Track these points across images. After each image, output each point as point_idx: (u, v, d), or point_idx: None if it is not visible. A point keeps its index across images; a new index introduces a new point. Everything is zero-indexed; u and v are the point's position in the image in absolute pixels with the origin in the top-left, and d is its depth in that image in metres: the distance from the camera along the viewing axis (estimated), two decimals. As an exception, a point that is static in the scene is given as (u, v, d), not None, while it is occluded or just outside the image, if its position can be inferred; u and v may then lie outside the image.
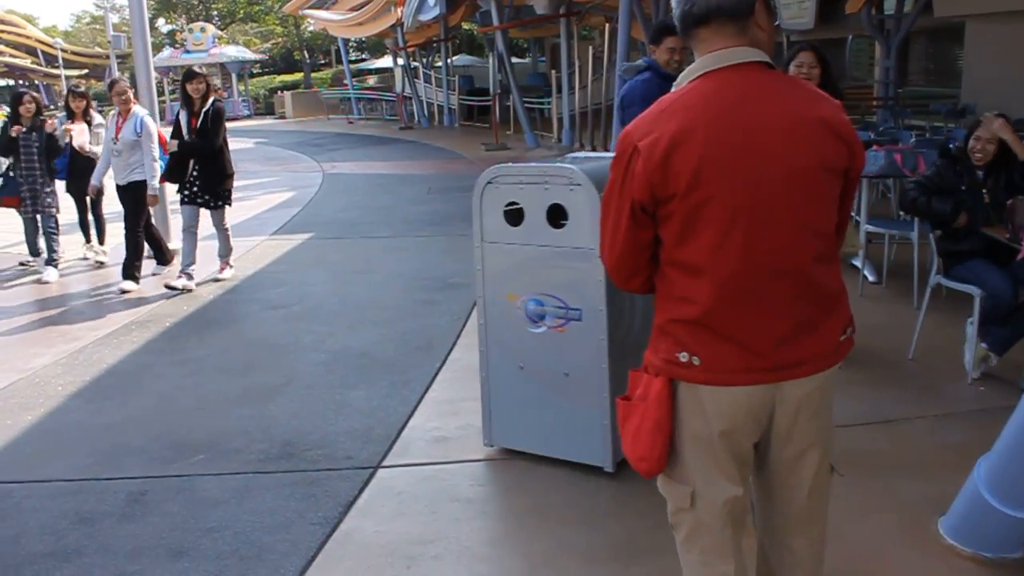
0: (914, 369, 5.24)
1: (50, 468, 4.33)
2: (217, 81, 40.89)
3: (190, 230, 8.08)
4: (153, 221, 8.68)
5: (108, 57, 36.22)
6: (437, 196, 13.52)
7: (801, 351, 2.12)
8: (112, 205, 8.82)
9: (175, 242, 9.06)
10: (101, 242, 9.40)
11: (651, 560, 3.30)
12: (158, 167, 7.96)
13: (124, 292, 7.89)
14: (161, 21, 51.88)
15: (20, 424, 4.92)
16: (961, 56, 14.32)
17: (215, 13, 50.26)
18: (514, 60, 27.59)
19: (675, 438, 2.21)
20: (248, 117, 40.98)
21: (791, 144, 2.04)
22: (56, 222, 8.78)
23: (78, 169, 8.74)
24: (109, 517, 3.80)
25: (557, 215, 3.88)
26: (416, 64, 32.14)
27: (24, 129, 8.41)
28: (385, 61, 42.68)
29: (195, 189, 7.95)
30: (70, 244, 9.66)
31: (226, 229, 8.37)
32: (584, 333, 3.85)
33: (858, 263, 6.99)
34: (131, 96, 8.13)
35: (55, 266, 8.71)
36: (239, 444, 4.51)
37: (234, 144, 25.69)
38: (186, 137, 7.82)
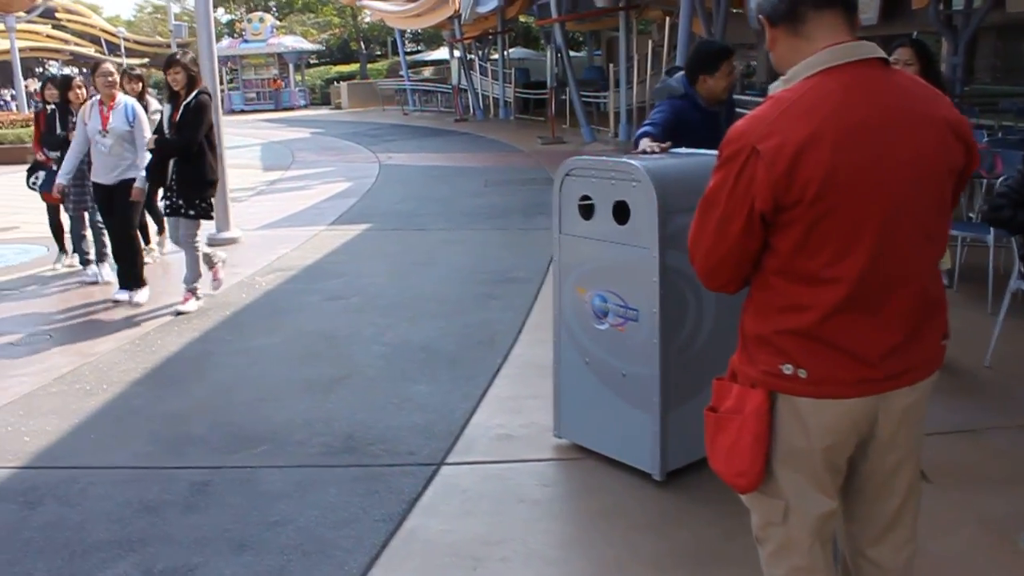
0: (991, 377, 5.05)
1: (114, 455, 4.34)
2: (275, 70, 41.35)
3: (188, 241, 6.92)
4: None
5: (168, 46, 36.68)
6: (494, 189, 13.45)
7: (909, 359, 2.05)
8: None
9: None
10: (160, 233, 8.92)
11: (721, 570, 3.22)
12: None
13: (139, 304, 7.10)
14: (221, 11, 52.47)
15: (84, 409, 4.94)
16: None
17: (273, 3, 50.72)
18: (570, 53, 27.42)
19: (770, 452, 2.11)
20: (304, 107, 41.32)
21: (919, 148, 1.96)
22: None
23: None
24: (173, 507, 3.78)
25: (624, 211, 3.79)
26: (472, 56, 32.10)
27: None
28: (440, 53, 42.78)
29: (175, 196, 6.79)
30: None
31: (195, 248, 6.93)
32: (640, 335, 3.76)
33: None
34: (118, 81, 7.18)
35: (106, 262, 7.92)
36: (301, 436, 4.47)
37: (290, 134, 26.02)
38: (166, 133, 6.76)
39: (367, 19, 46.91)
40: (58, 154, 7.78)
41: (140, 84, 7.99)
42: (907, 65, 4.81)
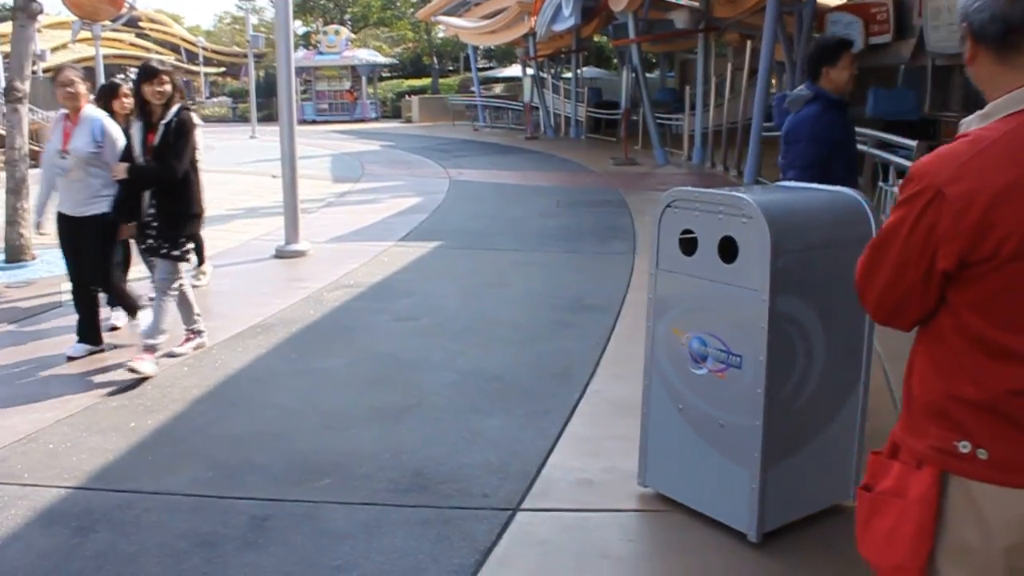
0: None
1: (171, 480, 4.11)
2: (348, 83, 41.72)
3: (163, 287, 5.74)
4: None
5: (245, 56, 37.20)
6: (566, 210, 13.16)
7: None
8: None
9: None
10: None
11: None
12: None
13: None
14: (298, 23, 53.22)
15: (143, 428, 4.74)
16: None
17: (349, 17, 51.23)
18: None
19: (936, 546, 1.76)
20: (375, 120, 41.60)
21: None
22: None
23: None
24: (230, 542, 3.54)
25: (731, 249, 3.47)
26: (544, 75, 31.95)
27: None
28: (512, 70, 42.80)
29: (154, 234, 5.64)
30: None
31: (171, 295, 5.75)
32: (742, 383, 3.44)
33: None
34: (81, 91, 5.80)
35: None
36: (368, 470, 4.21)
37: (361, 146, 26.13)
38: (139, 159, 5.57)
39: (441, 34, 47.17)
40: None
41: (164, 93, 5.54)
42: None
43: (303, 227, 9.79)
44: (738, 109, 18.04)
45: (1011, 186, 1.59)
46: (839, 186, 3.88)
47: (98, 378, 5.53)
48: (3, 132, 10.79)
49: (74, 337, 6.01)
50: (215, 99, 51.17)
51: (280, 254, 9.39)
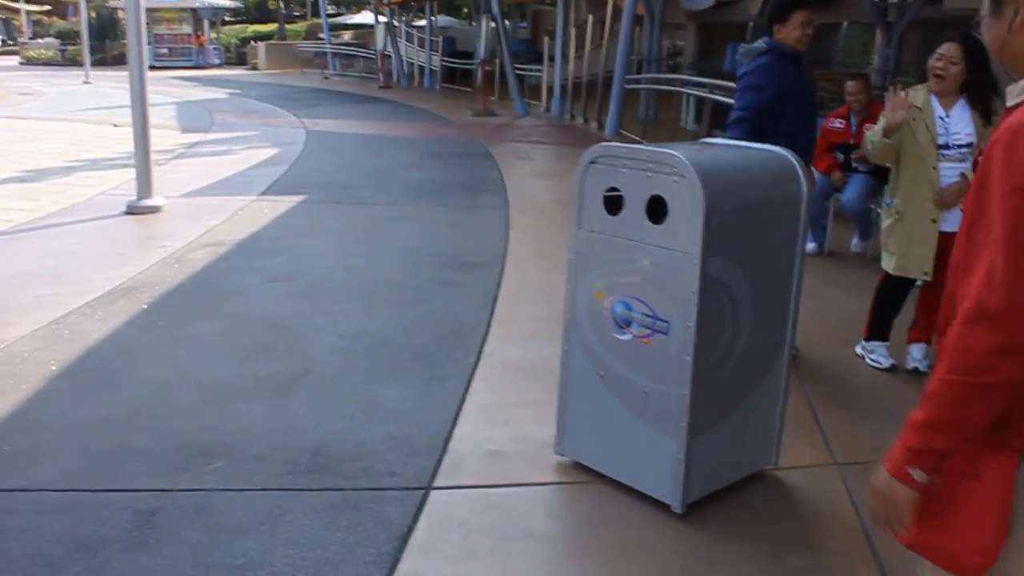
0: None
1: (37, 473, 3.62)
2: (189, 26, 39.62)
3: None
4: None
5: (75, -6, 34.76)
6: (431, 161, 12.82)
7: None
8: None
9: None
10: None
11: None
12: None
13: None
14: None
15: (-3, 411, 4.21)
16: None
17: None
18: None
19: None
20: (219, 66, 39.65)
21: None
22: None
23: None
24: (114, 544, 3.12)
25: (659, 209, 3.27)
26: (397, 23, 31.16)
27: None
28: (363, 17, 41.56)
29: None
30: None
31: None
32: (669, 349, 3.27)
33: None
34: None
35: None
36: (261, 450, 3.84)
37: (207, 94, 24.86)
38: None
39: (287, -23, 45.36)
40: None
41: None
42: (951, 64, 4.46)
43: (155, 181, 9.09)
44: (598, 61, 18.01)
45: None
46: (791, 139, 3.92)
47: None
48: None
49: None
50: (40, 40, 47.57)
51: (132, 210, 8.67)
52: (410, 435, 4.03)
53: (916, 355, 4.95)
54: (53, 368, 4.72)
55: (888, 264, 4.85)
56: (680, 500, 3.34)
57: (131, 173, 9.04)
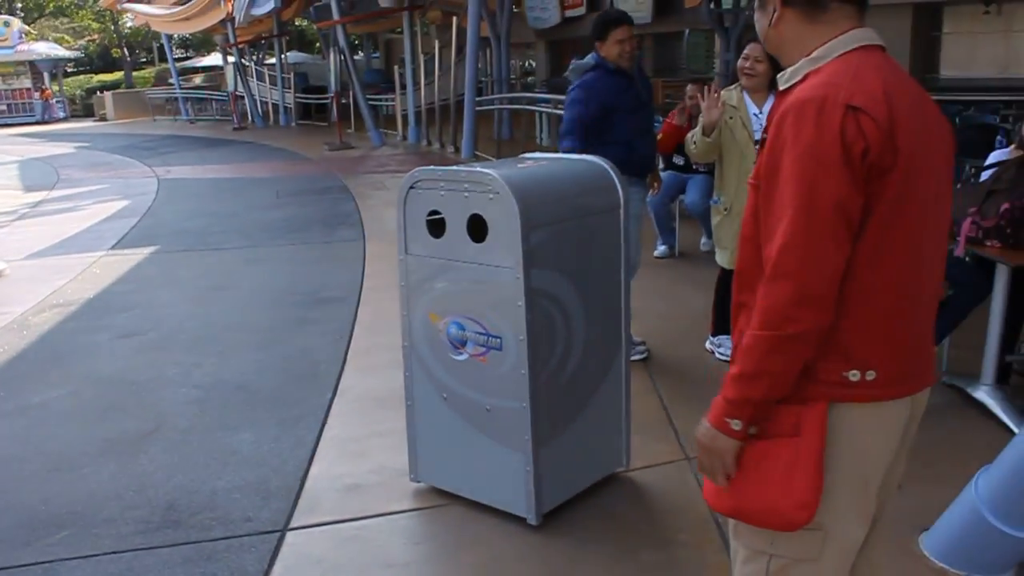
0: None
1: None
2: (28, 80, 38.09)
3: None
4: None
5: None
6: (288, 200, 12.70)
7: (932, 352, 1.96)
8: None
9: None
10: None
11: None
12: None
13: None
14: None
15: None
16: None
17: (19, 6, 46.65)
18: (352, 56, 26.73)
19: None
20: (65, 119, 38.25)
21: (945, 133, 1.87)
22: None
23: None
24: (-48, 627, 3.03)
25: (480, 227, 3.36)
26: (247, 62, 30.74)
27: None
28: (212, 59, 40.83)
29: None
30: None
31: None
32: (505, 365, 3.35)
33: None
34: None
35: None
36: (110, 513, 3.75)
37: (52, 149, 23.98)
38: None
39: (129, 24, 44.09)
40: None
41: None
42: (757, 63, 4.71)
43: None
44: (449, 86, 18.19)
45: (888, 92, 1.70)
46: (629, 145, 4.31)
47: None
48: None
49: None
50: None
51: (-29, 278, 8.33)
52: (265, 478, 4.01)
53: None
54: None
55: (722, 259, 5.06)
56: (534, 512, 3.41)
57: (-34, 239, 8.68)
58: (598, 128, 4.85)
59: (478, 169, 3.34)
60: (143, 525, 3.64)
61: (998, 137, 7.44)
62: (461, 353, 3.47)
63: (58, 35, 46.11)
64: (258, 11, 24.00)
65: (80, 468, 4.22)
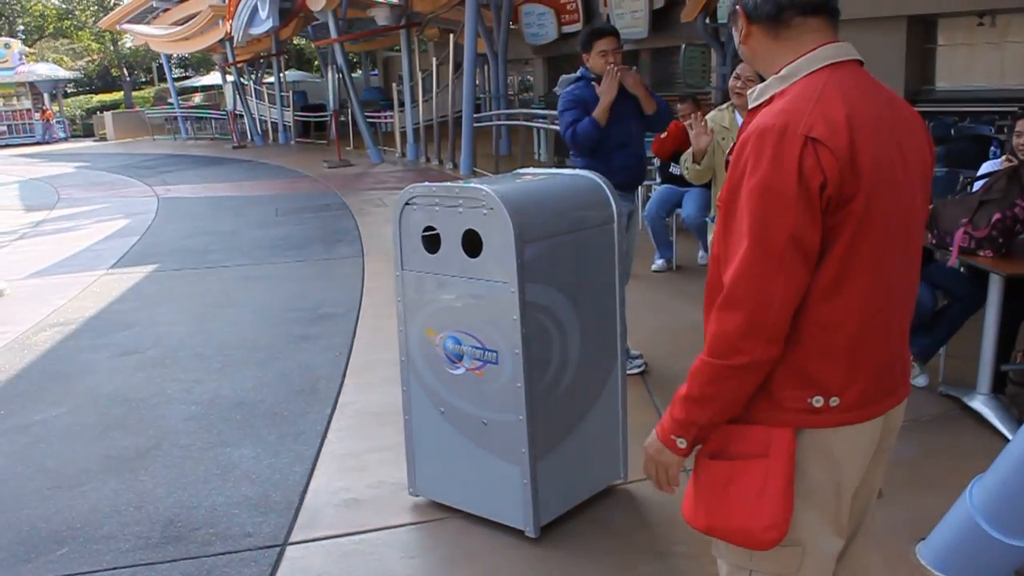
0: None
1: None
2: (28, 101, 38.23)
3: None
4: None
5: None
6: (288, 218, 12.74)
7: (906, 370, 1.95)
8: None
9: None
10: None
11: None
12: None
13: None
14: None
15: None
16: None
17: (20, 28, 46.89)
18: (351, 74, 26.83)
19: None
20: (65, 140, 38.36)
21: (918, 149, 1.85)
22: None
23: None
24: (-47, 644, 3.04)
25: (476, 242, 3.39)
26: (246, 80, 30.88)
27: None
28: (211, 78, 40.98)
29: None
30: None
31: None
32: (501, 378, 3.37)
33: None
34: None
35: None
36: (110, 529, 3.77)
37: (52, 169, 24.03)
38: None
39: (129, 44, 44.30)
40: None
41: None
42: (749, 81, 4.76)
43: (-5, 265, 8.79)
44: (447, 103, 18.28)
45: (851, 116, 1.68)
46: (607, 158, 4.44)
47: None
48: None
49: None
50: None
51: (-28, 299, 8.37)
52: (265, 493, 4.03)
53: None
54: None
55: None
56: (532, 525, 3.43)
57: (-33, 259, 8.72)
58: None
59: (472, 185, 3.37)
60: (143, 541, 3.66)
61: (992, 148, 7.48)
62: (458, 367, 3.49)
63: (58, 56, 46.30)
64: (256, 30, 24.09)
65: (81, 485, 4.24)
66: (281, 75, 29.26)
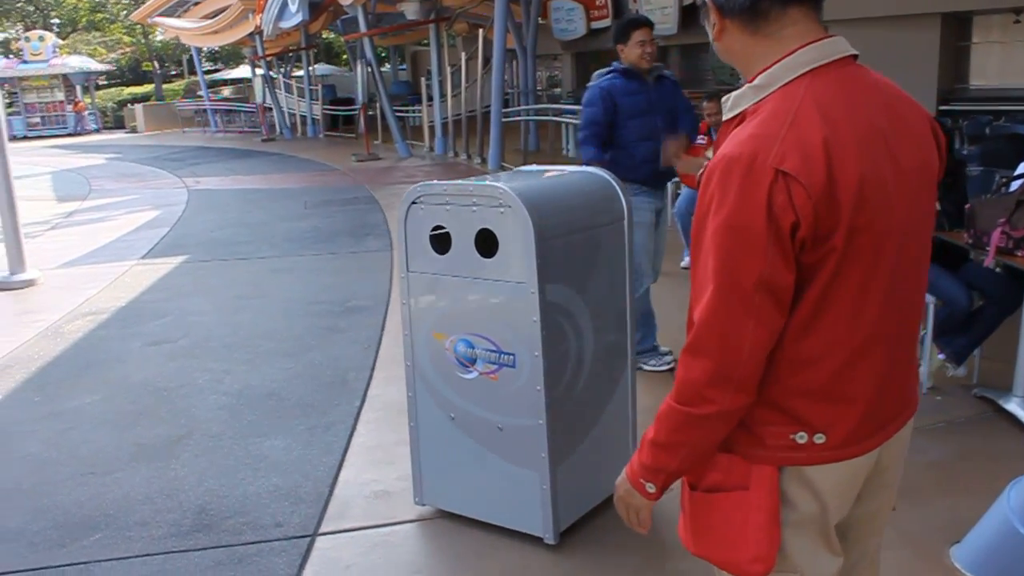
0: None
1: (-95, 563, 3.55)
2: (60, 93, 38.62)
3: None
4: None
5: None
6: (316, 211, 12.79)
7: (909, 391, 1.80)
8: None
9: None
10: None
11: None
12: None
13: None
14: (-7, 30, 48.64)
15: None
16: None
17: (55, 21, 47.34)
18: (379, 68, 26.90)
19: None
20: (97, 131, 38.72)
21: (921, 153, 1.67)
22: None
23: None
24: (-11, 626, 3.09)
25: (490, 242, 3.28)
26: (275, 74, 31.05)
27: None
28: (241, 71, 41.22)
29: None
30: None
31: None
32: (518, 382, 3.25)
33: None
34: None
35: None
36: (143, 516, 3.81)
37: (84, 160, 24.24)
38: None
39: (160, 37, 44.65)
40: None
41: None
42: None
43: (28, 253, 8.88)
44: (475, 97, 18.28)
45: (830, 139, 1.51)
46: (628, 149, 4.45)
47: None
48: None
49: None
50: None
51: (5, 286, 8.46)
52: (295, 484, 4.05)
53: None
54: (-78, 456, 4.59)
55: None
56: (552, 531, 3.34)
57: (1, 249, 8.82)
58: (608, 129, 4.91)
59: (486, 183, 3.28)
60: (175, 528, 3.69)
61: (1029, 147, 7.39)
62: (470, 371, 3.37)
63: (90, 48, 46.70)
64: (286, 24, 24.21)
65: (113, 472, 4.28)
66: (310, 69, 29.38)
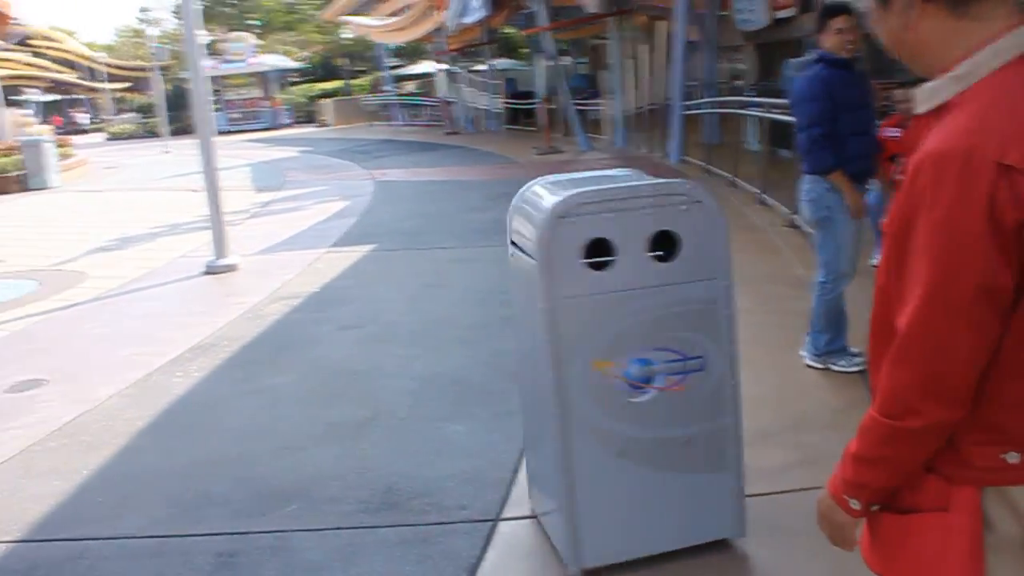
0: None
1: (126, 522, 3.84)
2: (257, 90, 40.87)
3: None
4: None
5: (150, 69, 36.17)
6: (497, 203, 12.97)
7: None
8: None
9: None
10: None
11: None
12: None
13: None
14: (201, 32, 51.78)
15: (90, 467, 4.44)
16: None
17: (257, 22, 50.11)
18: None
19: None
20: (290, 126, 40.79)
21: None
22: None
23: None
24: (199, 586, 3.30)
25: (662, 246, 3.02)
26: (457, 69, 31.75)
27: None
28: (423, 67, 42.39)
29: None
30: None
31: None
32: (708, 385, 3.10)
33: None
34: None
35: None
36: (334, 491, 3.99)
37: (279, 153, 25.55)
38: None
39: (348, 35, 46.49)
40: None
41: None
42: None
43: (231, 240, 9.45)
44: (656, 90, 18.11)
45: None
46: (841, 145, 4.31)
47: (32, 416, 5.20)
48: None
49: None
50: (123, 116, 49.44)
51: (210, 270, 9.05)
52: (478, 469, 4.14)
53: None
54: (139, 424, 4.97)
55: None
56: (741, 527, 3.24)
57: (209, 235, 9.42)
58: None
59: (663, 181, 3.14)
60: (364, 505, 3.85)
61: None
62: (646, 392, 3.06)
63: (285, 47, 49.16)
64: (468, 19, 24.68)
65: (307, 448, 4.51)
66: (491, 63, 29.87)
